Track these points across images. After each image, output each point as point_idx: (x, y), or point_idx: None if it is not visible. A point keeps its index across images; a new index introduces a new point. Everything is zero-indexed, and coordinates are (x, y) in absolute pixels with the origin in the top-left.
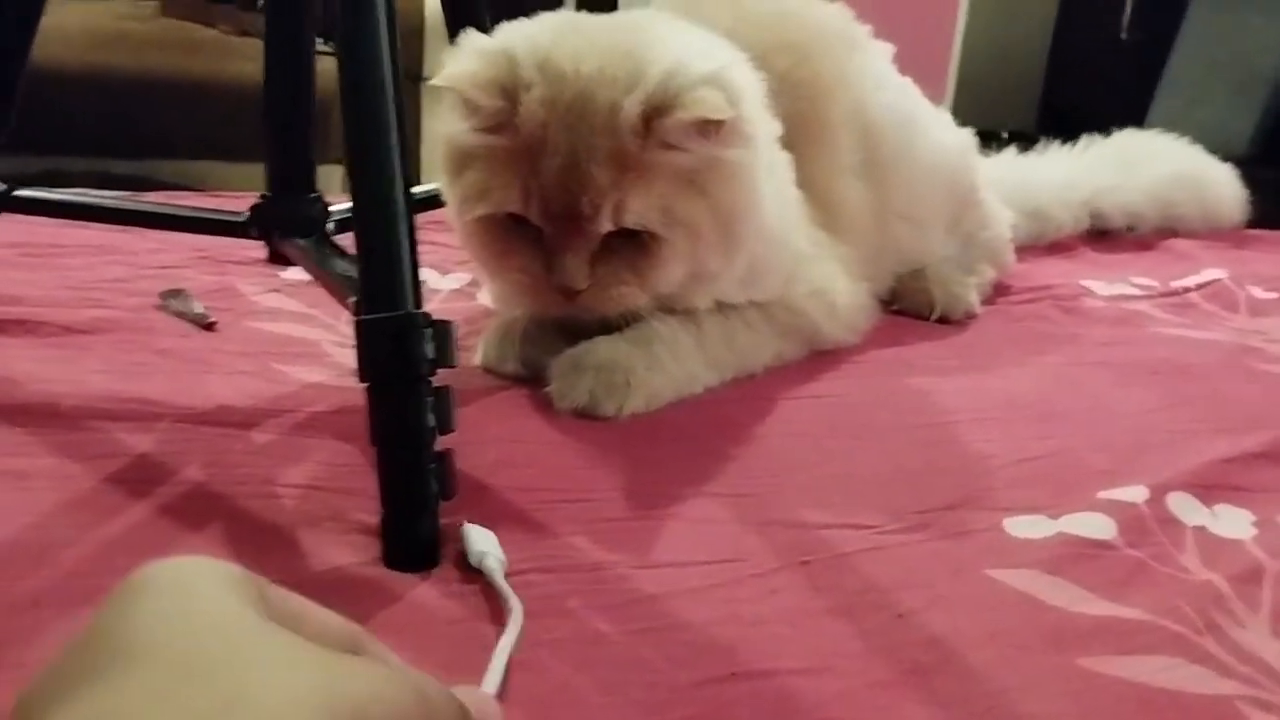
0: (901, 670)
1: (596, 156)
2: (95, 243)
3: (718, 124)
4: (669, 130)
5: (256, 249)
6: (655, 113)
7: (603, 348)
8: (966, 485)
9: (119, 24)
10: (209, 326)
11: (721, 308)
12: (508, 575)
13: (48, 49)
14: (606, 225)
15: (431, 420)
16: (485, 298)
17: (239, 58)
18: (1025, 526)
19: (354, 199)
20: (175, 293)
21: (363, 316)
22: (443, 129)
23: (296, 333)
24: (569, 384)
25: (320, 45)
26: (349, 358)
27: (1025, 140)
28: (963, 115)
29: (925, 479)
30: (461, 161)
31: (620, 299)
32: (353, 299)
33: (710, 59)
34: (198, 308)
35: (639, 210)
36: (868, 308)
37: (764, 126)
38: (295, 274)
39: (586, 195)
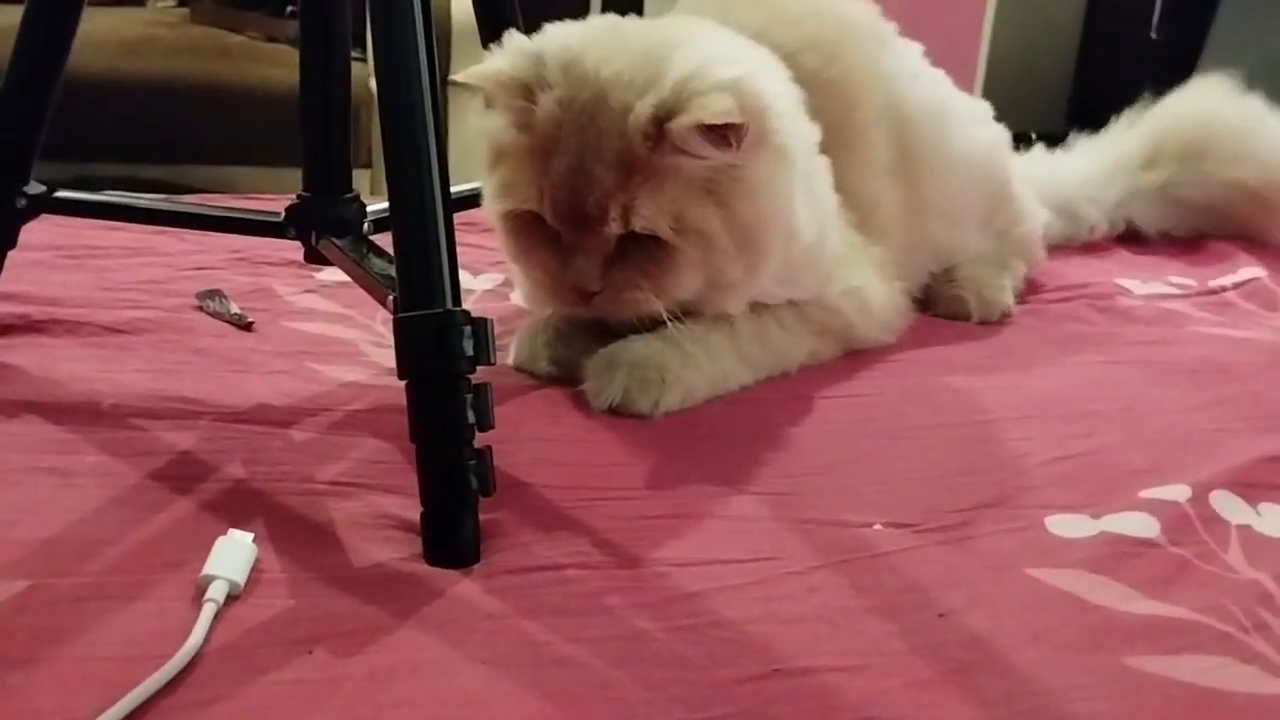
0: (944, 669)
1: (604, 158)
2: (131, 245)
3: (735, 130)
4: (677, 134)
5: (292, 250)
6: (666, 116)
7: (637, 346)
8: (1005, 484)
9: (148, 30)
10: (246, 327)
11: (755, 306)
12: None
13: (78, 55)
14: (615, 228)
15: (471, 417)
16: (518, 297)
17: (267, 63)
18: (1067, 525)
19: (391, 198)
20: (212, 293)
21: (401, 314)
22: (484, 125)
23: (333, 333)
24: (604, 381)
25: (354, 53)
26: (386, 357)
27: (1056, 139)
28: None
29: (964, 478)
30: (496, 157)
31: (634, 304)
32: (391, 297)
33: (736, 66)
34: (235, 308)
35: (648, 215)
36: (903, 307)
37: (799, 135)
38: (331, 275)
39: (592, 196)
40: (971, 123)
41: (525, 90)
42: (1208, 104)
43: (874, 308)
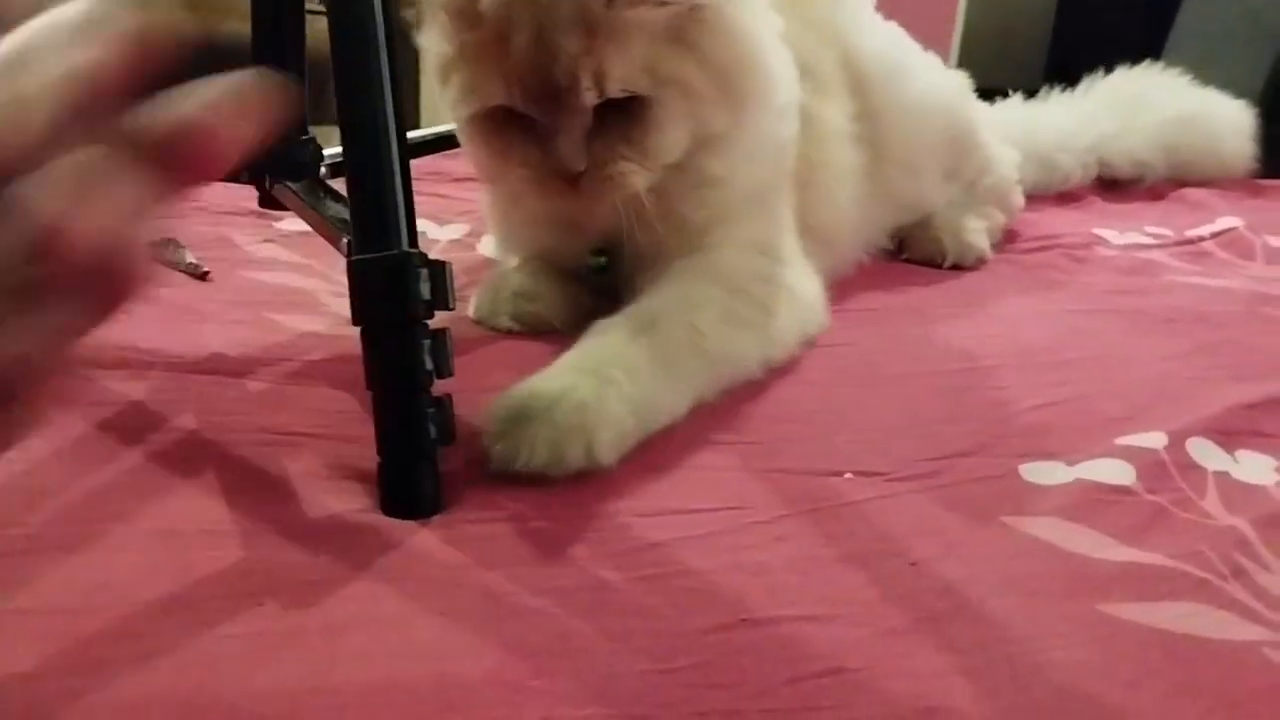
0: (916, 618)
1: (562, 25)
2: None
3: None
4: None
5: (250, 199)
6: None
7: (542, 384)
8: (980, 433)
9: None
10: (202, 276)
11: (654, 324)
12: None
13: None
14: (591, 97)
15: (429, 363)
16: (485, 248)
17: (234, 16)
18: (1042, 473)
19: (343, 135)
20: (166, 242)
21: (355, 257)
22: (424, 43)
23: (292, 283)
24: (517, 441)
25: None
26: (345, 308)
27: (1035, 97)
28: (969, 73)
29: (938, 427)
30: (446, 69)
31: (623, 178)
32: (346, 240)
33: None
34: (190, 257)
35: (620, 75)
36: (823, 302)
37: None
38: (291, 224)
39: (560, 67)
40: (928, 71)
41: None
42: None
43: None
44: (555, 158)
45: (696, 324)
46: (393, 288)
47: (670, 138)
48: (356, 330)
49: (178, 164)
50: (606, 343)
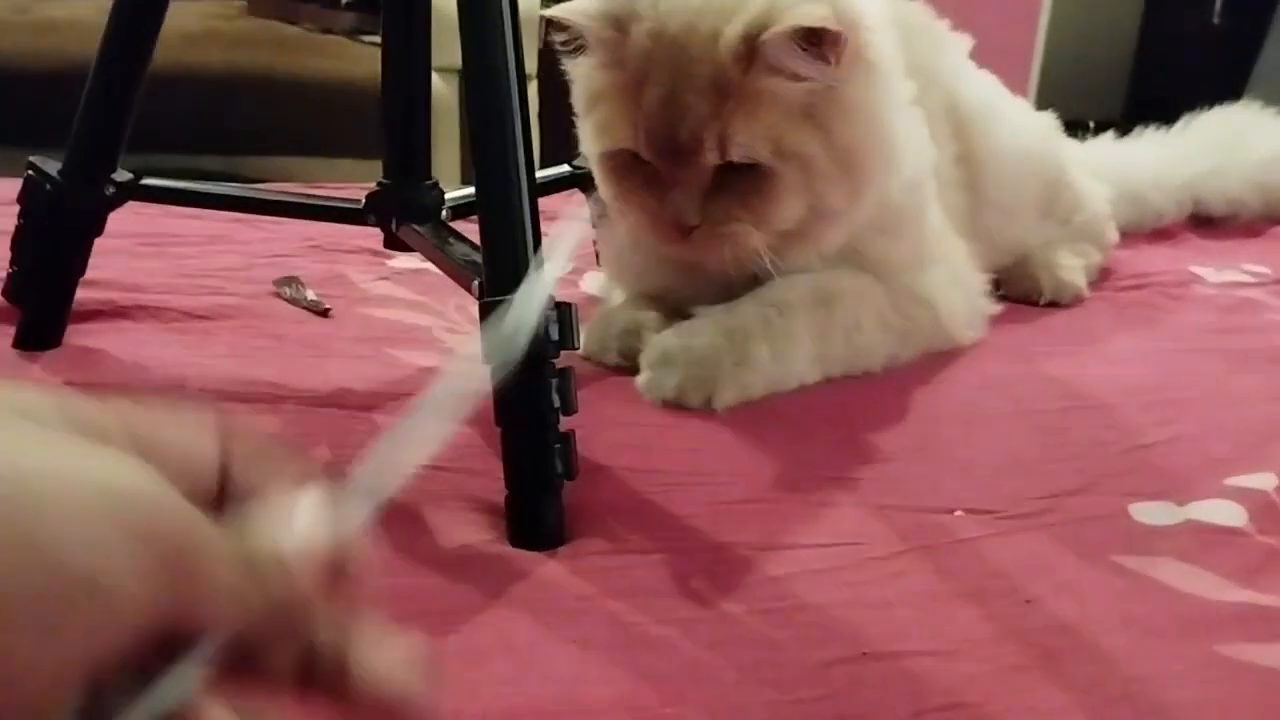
0: (1033, 655)
1: (696, 85)
2: (208, 233)
3: (832, 42)
4: (770, 48)
5: (364, 238)
6: (756, 33)
7: (696, 339)
8: (1087, 472)
9: (207, 23)
10: (323, 313)
11: (830, 302)
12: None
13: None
14: (713, 158)
15: (555, 401)
16: (589, 285)
17: (322, 55)
18: (1151, 513)
19: (477, 183)
20: (289, 280)
21: (487, 299)
22: (575, 70)
23: (408, 319)
24: (657, 377)
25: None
26: (461, 344)
27: (1116, 129)
28: (1048, 106)
29: (1044, 465)
30: (591, 100)
31: (734, 238)
32: (476, 282)
33: None
34: (311, 294)
35: (745, 141)
36: (988, 302)
37: (893, 58)
38: (403, 262)
39: (686, 126)
40: (1019, 114)
41: (616, 23)
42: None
43: (956, 297)
44: (671, 209)
45: (860, 317)
46: None
47: (786, 208)
48: (484, 364)
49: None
50: (778, 304)
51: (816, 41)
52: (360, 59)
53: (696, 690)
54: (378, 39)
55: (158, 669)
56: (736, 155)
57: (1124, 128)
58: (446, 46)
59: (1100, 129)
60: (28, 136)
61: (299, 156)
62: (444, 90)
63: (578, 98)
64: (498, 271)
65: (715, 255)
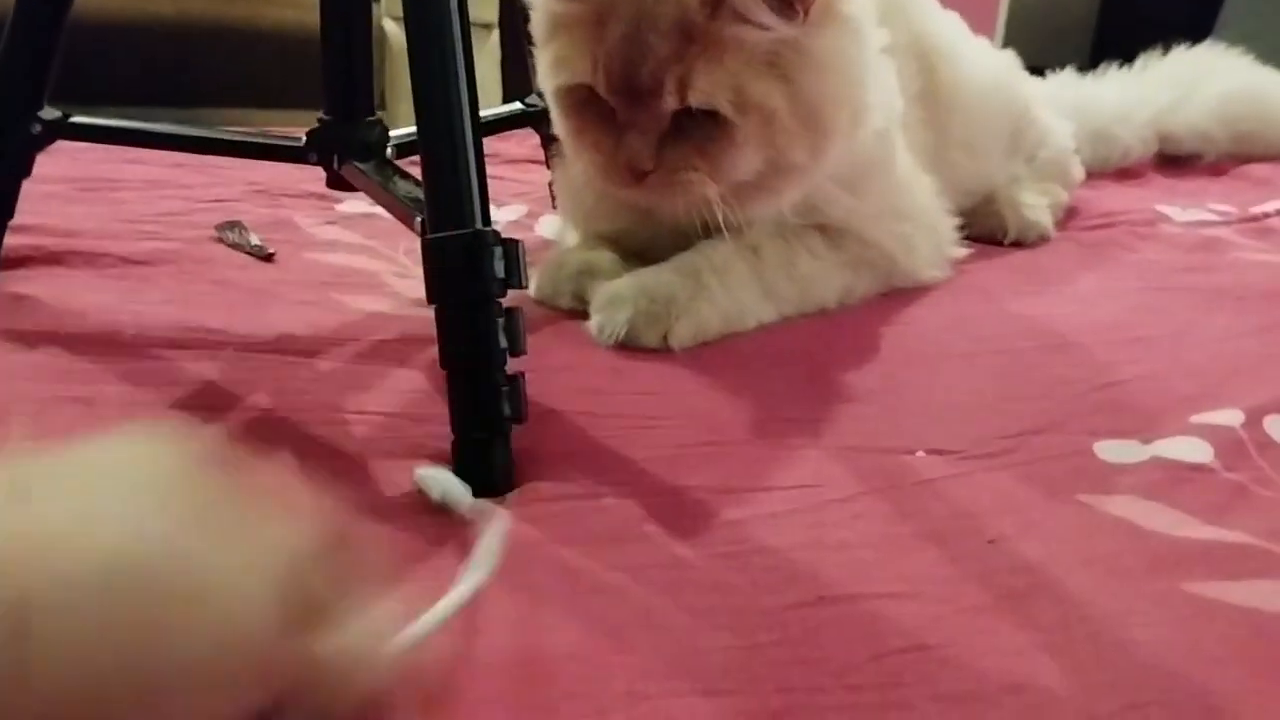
0: (996, 596)
1: (660, 25)
2: (149, 178)
3: None
4: None
5: (311, 182)
6: None
7: (645, 277)
8: (1051, 411)
9: None
10: (267, 258)
11: (784, 234)
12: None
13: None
14: (671, 103)
15: (503, 341)
16: (543, 229)
17: (278, 4)
18: (1116, 451)
19: (419, 116)
20: (232, 224)
21: (430, 235)
22: (537, 3)
23: (356, 264)
24: (608, 315)
25: None
26: (409, 288)
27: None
28: (1014, 51)
29: (1007, 405)
30: (550, 31)
31: (688, 186)
32: (419, 219)
33: None
34: (255, 239)
35: (705, 88)
36: (954, 240)
37: (868, 13)
38: (352, 206)
39: (646, 67)
40: (982, 52)
41: None
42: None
43: (920, 241)
44: (626, 152)
45: (791, 254)
46: (468, 266)
47: (744, 160)
48: (422, 310)
49: None
50: (712, 255)
51: None
52: (315, 7)
53: (649, 637)
54: None
55: None
56: (696, 101)
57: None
58: None
59: None
60: None
61: (255, 109)
62: (402, 39)
63: (536, 25)
64: (441, 207)
65: (669, 203)
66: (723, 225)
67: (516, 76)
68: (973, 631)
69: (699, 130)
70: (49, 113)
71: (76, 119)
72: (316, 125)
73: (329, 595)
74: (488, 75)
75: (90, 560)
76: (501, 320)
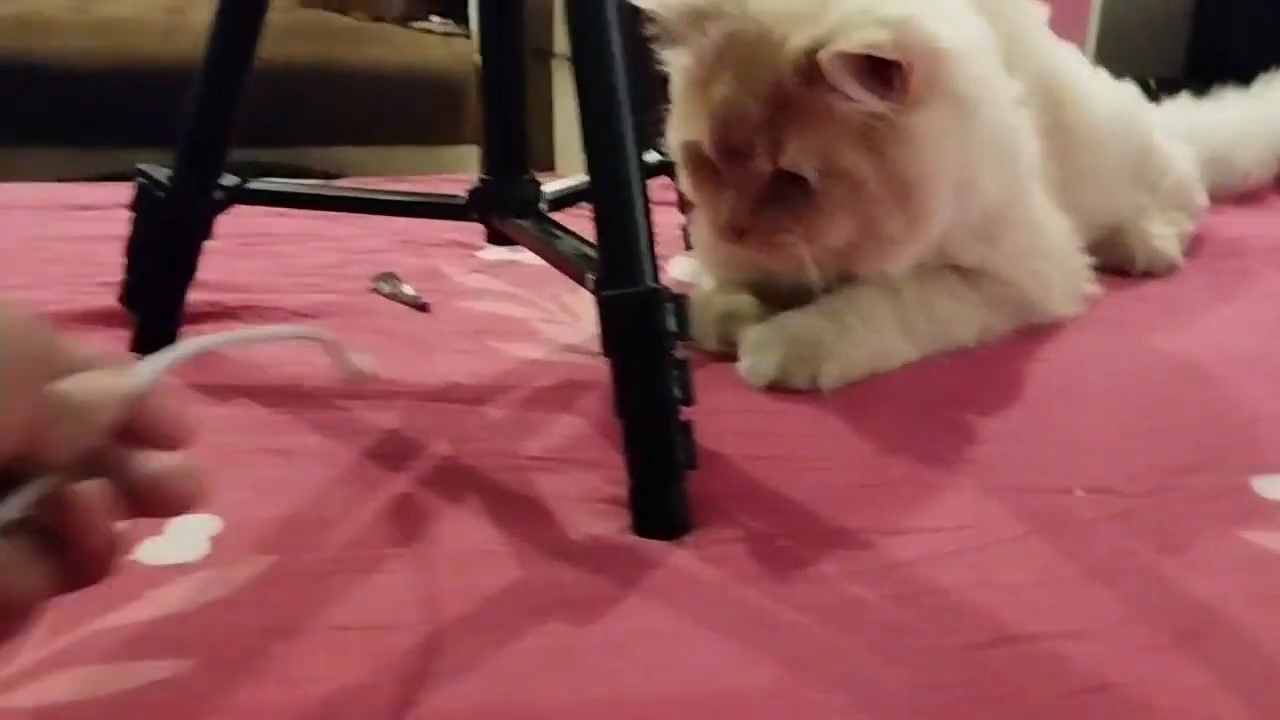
0: (1171, 635)
1: (756, 90)
2: (301, 230)
3: (898, 72)
4: (828, 67)
5: (451, 231)
6: (818, 47)
7: (792, 320)
8: (1203, 446)
9: None
10: (422, 307)
11: (922, 275)
12: None
13: (195, 43)
14: (764, 164)
15: (677, 392)
16: (676, 271)
17: (375, 43)
18: (1275, 487)
19: (591, 177)
20: (387, 276)
21: (606, 292)
22: (673, 61)
23: (504, 311)
24: (759, 358)
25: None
26: (559, 334)
27: (1174, 87)
28: (1106, 64)
29: (1158, 441)
30: (677, 91)
31: (783, 247)
32: (590, 275)
33: (910, 5)
34: (409, 290)
35: (794, 153)
36: (1088, 276)
37: (989, 87)
38: (493, 254)
39: (742, 129)
40: (1103, 83)
41: (696, 18)
42: None
43: (1056, 278)
44: (726, 209)
45: (930, 295)
46: (644, 321)
47: (835, 226)
48: (574, 357)
49: (147, 501)
50: (855, 298)
51: (880, 67)
52: (410, 45)
53: (838, 674)
54: (428, 25)
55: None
56: (785, 165)
57: (1185, 85)
58: None
59: (1161, 86)
60: (86, 134)
61: (354, 146)
62: None
63: (672, 84)
64: (614, 266)
65: (769, 261)
66: (821, 288)
67: None
68: (1153, 670)
69: (794, 194)
70: (228, 179)
71: (253, 184)
72: (477, 184)
73: (68, 350)
74: (573, 110)
75: None
76: (675, 372)
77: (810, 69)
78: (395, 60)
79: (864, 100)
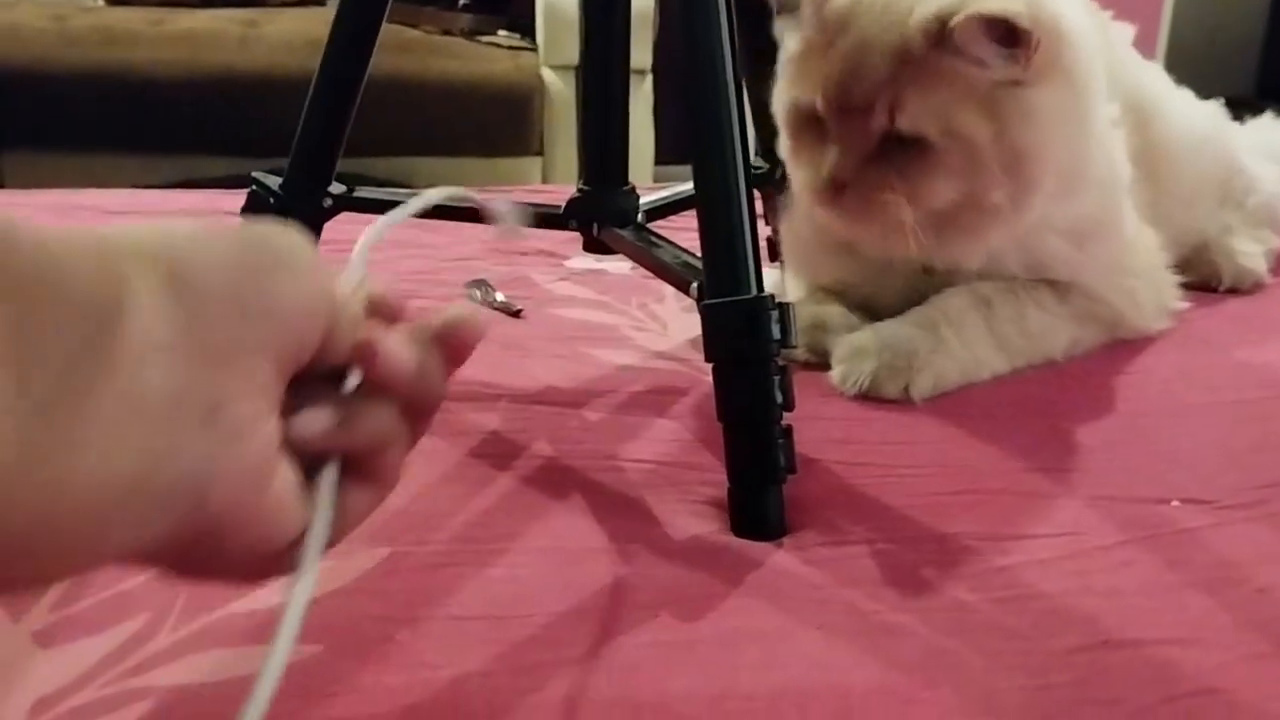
0: (1275, 643)
1: (881, 50)
2: (395, 238)
3: (1025, 40)
4: (959, 31)
5: (539, 239)
6: (949, 14)
7: (885, 331)
8: None
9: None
10: (515, 314)
11: (1014, 288)
12: None
13: (271, 56)
14: (881, 122)
15: (779, 398)
16: (769, 283)
17: (444, 56)
18: None
19: (697, 186)
20: (479, 283)
21: (710, 301)
22: (785, 30)
23: (594, 318)
24: (852, 367)
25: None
26: (649, 341)
27: (1245, 106)
28: (1177, 82)
29: (1254, 456)
30: (789, 57)
31: (884, 207)
32: (694, 284)
33: None
34: (501, 296)
35: (914, 112)
36: (1177, 293)
37: (1098, 79)
38: (580, 262)
39: (862, 85)
40: (1189, 103)
41: None
42: None
43: (1145, 294)
44: (830, 161)
45: (1021, 307)
46: (749, 329)
47: (941, 187)
48: (665, 363)
49: (451, 346)
50: (947, 309)
51: (1009, 36)
52: (479, 58)
53: (946, 676)
54: (495, 39)
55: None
56: (903, 124)
57: (1257, 105)
58: (561, 44)
59: (1232, 106)
60: (163, 143)
61: (422, 157)
62: (560, 87)
63: (782, 63)
64: (719, 275)
65: (864, 225)
66: (921, 264)
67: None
68: (1260, 677)
69: (902, 155)
70: (336, 187)
71: (359, 193)
72: (576, 194)
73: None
74: (640, 121)
75: (225, 238)
76: (778, 378)
77: (939, 34)
78: (463, 73)
79: (992, 65)
